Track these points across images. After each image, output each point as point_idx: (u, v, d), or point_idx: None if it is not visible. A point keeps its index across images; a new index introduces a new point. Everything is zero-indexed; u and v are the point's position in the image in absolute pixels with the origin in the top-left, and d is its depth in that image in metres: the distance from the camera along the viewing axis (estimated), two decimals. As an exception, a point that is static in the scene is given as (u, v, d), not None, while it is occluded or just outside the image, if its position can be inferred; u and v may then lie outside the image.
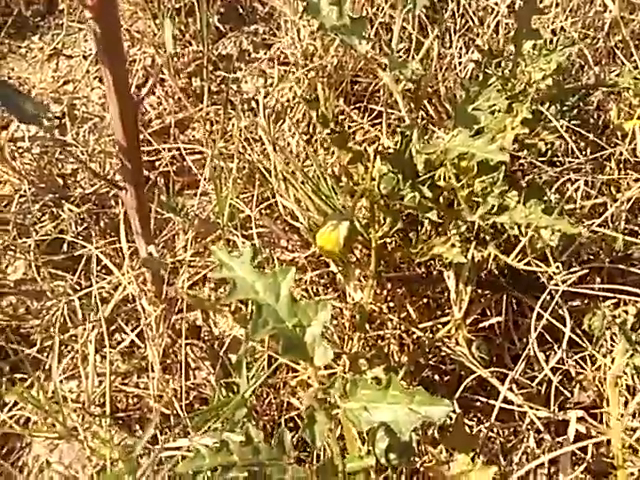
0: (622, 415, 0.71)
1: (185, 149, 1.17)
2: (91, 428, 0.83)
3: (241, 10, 1.47)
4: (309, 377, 0.84)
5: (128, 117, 0.59)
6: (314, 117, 0.83)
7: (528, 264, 0.72)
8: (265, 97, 1.24)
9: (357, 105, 1.25)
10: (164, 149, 1.19)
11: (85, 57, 1.36)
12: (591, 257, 0.98)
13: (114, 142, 1.19)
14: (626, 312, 0.77)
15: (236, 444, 0.56)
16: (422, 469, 0.68)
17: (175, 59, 1.29)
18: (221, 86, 1.33)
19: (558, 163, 1.08)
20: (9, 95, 0.55)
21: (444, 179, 0.80)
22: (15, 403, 0.89)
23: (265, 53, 1.38)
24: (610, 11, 1.25)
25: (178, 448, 0.71)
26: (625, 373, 0.81)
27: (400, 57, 1.02)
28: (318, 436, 0.56)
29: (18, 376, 0.93)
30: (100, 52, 0.53)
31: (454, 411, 0.75)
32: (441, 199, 0.80)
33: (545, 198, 0.78)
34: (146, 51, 1.32)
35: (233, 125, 1.22)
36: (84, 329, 0.92)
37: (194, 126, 1.28)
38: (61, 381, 0.93)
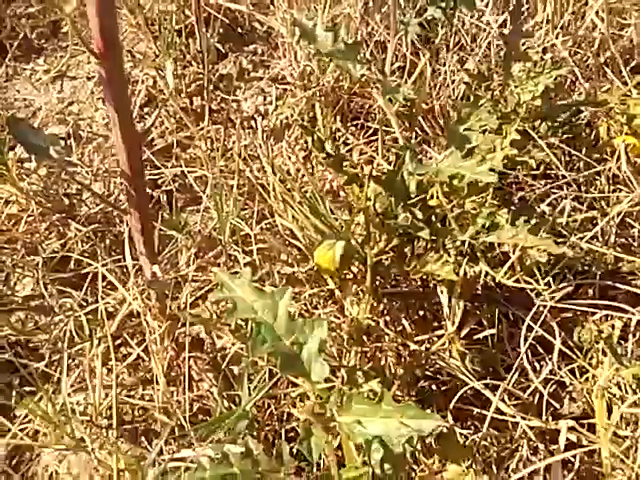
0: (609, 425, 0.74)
1: (188, 166, 1.20)
2: (98, 439, 0.86)
3: (240, 30, 1.51)
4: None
5: (132, 148, 0.63)
6: (309, 142, 0.86)
7: (518, 281, 0.75)
8: (264, 117, 1.27)
9: (354, 122, 1.29)
10: (166, 166, 1.22)
11: (89, 78, 1.40)
12: (585, 268, 1.01)
13: (119, 166, 1.23)
14: (612, 326, 0.80)
15: (236, 456, 0.59)
16: (417, 479, 0.71)
17: (176, 80, 1.33)
18: (221, 105, 1.36)
19: (553, 176, 1.11)
20: (22, 130, 0.59)
21: (437, 197, 0.83)
22: (25, 415, 0.92)
23: (264, 72, 1.42)
24: (600, 29, 1.28)
25: (183, 459, 0.74)
26: (617, 384, 0.84)
27: (394, 80, 1.05)
28: (315, 449, 0.59)
29: (27, 389, 0.96)
30: (105, 91, 0.56)
31: (447, 421, 0.78)
32: (433, 217, 0.83)
33: (535, 215, 0.81)
34: (148, 72, 1.36)
35: (234, 143, 1.26)
36: (91, 344, 0.95)
37: (196, 144, 1.32)
38: (69, 394, 0.96)
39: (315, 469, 0.84)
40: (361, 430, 0.58)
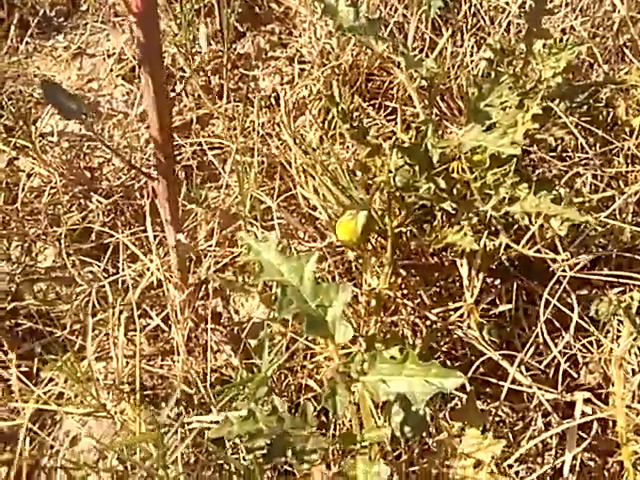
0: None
1: (206, 143, 1.22)
2: (120, 404, 0.88)
3: (258, 10, 1.52)
4: (326, 358, 0.89)
5: (163, 112, 0.64)
6: (333, 112, 0.87)
7: (538, 251, 0.76)
8: (283, 95, 1.28)
9: (372, 102, 1.29)
10: (186, 144, 1.23)
11: (109, 56, 1.41)
12: (600, 249, 1.01)
13: (142, 135, 1.24)
14: (631, 298, 0.81)
15: (262, 413, 0.61)
16: (434, 444, 0.72)
17: (196, 57, 1.34)
18: (239, 84, 1.37)
19: (568, 158, 1.11)
20: (54, 92, 0.60)
21: (458, 172, 0.84)
22: (49, 381, 0.94)
23: (282, 52, 1.42)
24: (619, 11, 1.28)
25: (205, 422, 0.76)
26: (629, 361, 0.85)
27: (415, 56, 1.06)
28: (339, 406, 0.60)
29: (49, 358, 0.98)
30: (140, 53, 0.57)
31: (464, 387, 0.79)
32: (455, 191, 0.84)
33: (554, 190, 0.81)
34: (167, 50, 1.37)
35: (252, 122, 1.27)
36: (113, 313, 0.97)
37: (213, 122, 1.33)
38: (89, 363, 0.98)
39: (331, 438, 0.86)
40: (385, 389, 0.59)
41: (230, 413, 0.70)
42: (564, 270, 0.79)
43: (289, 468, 0.86)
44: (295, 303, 0.65)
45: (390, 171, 0.82)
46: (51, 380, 0.95)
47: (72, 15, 1.52)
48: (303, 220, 1.11)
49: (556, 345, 0.85)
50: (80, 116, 0.67)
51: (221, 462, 0.88)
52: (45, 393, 0.90)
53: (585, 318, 0.90)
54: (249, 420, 0.61)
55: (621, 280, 0.88)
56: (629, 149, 1.01)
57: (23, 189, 1.13)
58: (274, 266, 0.66)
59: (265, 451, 0.63)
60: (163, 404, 0.92)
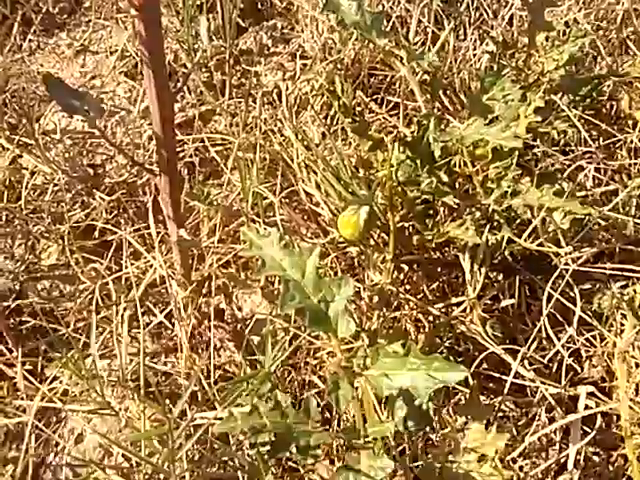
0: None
1: (209, 139, 1.22)
2: (124, 402, 0.89)
3: (260, 5, 1.51)
4: (329, 354, 0.89)
5: (165, 107, 0.64)
6: (335, 107, 0.87)
7: (541, 245, 0.75)
8: (285, 90, 1.28)
9: (374, 97, 1.29)
10: (189, 140, 1.23)
11: (111, 53, 1.41)
12: (603, 243, 1.01)
13: (144, 132, 1.24)
14: (635, 291, 0.80)
15: (266, 407, 0.61)
16: (437, 438, 0.72)
17: (198, 53, 1.34)
18: (241, 80, 1.37)
19: (571, 152, 1.11)
20: (59, 89, 0.60)
21: (460, 166, 0.84)
22: (53, 379, 0.94)
23: (284, 48, 1.42)
24: (623, 3, 1.27)
25: (209, 418, 0.76)
26: (633, 355, 0.85)
27: (417, 49, 1.06)
28: (342, 400, 0.60)
29: (53, 356, 0.98)
30: (141, 46, 0.57)
31: (468, 382, 0.79)
32: (457, 185, 0.83)
33: (557, 183, 0.81)
34: (170, 47, 1.37)
35: (254, 118, 1.27)
36: (117, 310, 0.97)
37: (216, 119, 1.33)
38: (93, 360, 0.98)
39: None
40: (388, 383, 0.59)
41: (234, 409, 0.70)
42: (567, 264, 0.79)
43: (294, 464, 0.86)
44: (297, 298, 0.65)
45: (392, 165, 0.82)
46: (56, 378, 0.95)
47: (75, 12, 1.52)
48: (305, 216, 1.11)
49: (559, 339, 0.85)
50: (83, 112, 0.67)
51: (226, 459, 0.88)
52: (50, 390, 0.91)
53: (588, 312, 0.90)
54: (253, 415, 0.61)
55: (624, 274, 0.88)
56: (632, 142, 1.01)
57: (26, 187, 1.13)
58: (276, 261, 0.66)
59: (269, 446, 0.63)
60: (170, 404, 0.92)
